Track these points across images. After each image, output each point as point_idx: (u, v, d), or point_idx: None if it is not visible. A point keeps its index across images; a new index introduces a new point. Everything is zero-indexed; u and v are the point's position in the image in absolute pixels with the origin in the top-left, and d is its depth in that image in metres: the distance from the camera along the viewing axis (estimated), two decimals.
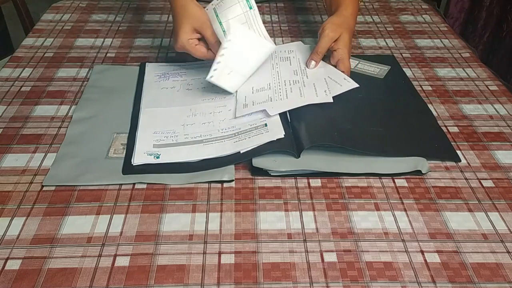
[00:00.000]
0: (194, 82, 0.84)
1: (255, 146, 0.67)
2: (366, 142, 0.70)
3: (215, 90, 0.81)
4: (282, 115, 0.73)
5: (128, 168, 0.66)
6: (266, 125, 0.71)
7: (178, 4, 0.79)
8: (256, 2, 1.19)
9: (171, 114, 0.76)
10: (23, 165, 0.67)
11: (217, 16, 0.80)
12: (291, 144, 0.68)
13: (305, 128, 0.71)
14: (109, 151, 0.69)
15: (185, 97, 0.80)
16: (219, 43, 0.77)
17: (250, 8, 0.78)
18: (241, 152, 0.67)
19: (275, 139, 0.68)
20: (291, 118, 0.73)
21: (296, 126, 0.71)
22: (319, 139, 0.68)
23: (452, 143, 0.73)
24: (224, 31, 0.77)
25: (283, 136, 0.68)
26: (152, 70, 0.88)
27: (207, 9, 0.81)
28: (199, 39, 0.79)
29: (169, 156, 0.68)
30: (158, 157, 0.67)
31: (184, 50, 0.78)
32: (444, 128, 0.76)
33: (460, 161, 0.70)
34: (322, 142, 0.68)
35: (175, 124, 0.74)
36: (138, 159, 0.67)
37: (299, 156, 0.67)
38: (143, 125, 0.74)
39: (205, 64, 0.90)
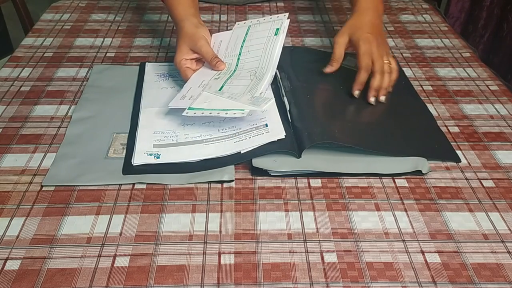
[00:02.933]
0: None
1: (256, 147, 0.67)
2: (367, 140, 0.70)
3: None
4: (283, 115, 0.73)
5: (128, 168, 0.66)
6: (266, 125, 0.70)
7: (177, 25, 0.81)
8: (256, 2, 1.19)
9: (171, 114, 0.76)
10: (22, 165, 0.67)
11: (246, 34, 0.83)
12: (292, 144, 0.68)
13: (306, 127, 0.70)
14: (108, 151, 0.69)
15: None
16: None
17: (276, 34, 0.79)
18: (242, 152, 0.67)
19: (276, 140, 0.68)
20: (292, 118, 0.73)
21: (297, 126, 0.71)
22: (319, 138, 0.68)
23: (452, 143, 0.73)
24: (239, 54, 0.80)
25: (284, 137, 0.68)
26: (151, 70, 0.88)
27: (244, 23, 0.84)
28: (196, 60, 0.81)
29: (169, 156, 0.67)
30: (158, 157, 0.67)
31: (177, 69, 0.80)
32: (444, 128, 0.76)
33: (460, 161, 0.69)
34: (322, 141, 0.68)
35: (175, 124, 0.73)
36: (138, 159, 0.67)
37: (301, 156, 0.67)
38: (143, 125, 0.73)
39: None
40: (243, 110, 0.68)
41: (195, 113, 0.70)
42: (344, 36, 0.81)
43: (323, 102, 0.75)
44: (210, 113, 0.70)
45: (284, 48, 0.91)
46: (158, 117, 0.75)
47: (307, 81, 0.82)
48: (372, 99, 0.77)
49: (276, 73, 0.83)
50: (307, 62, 0.89)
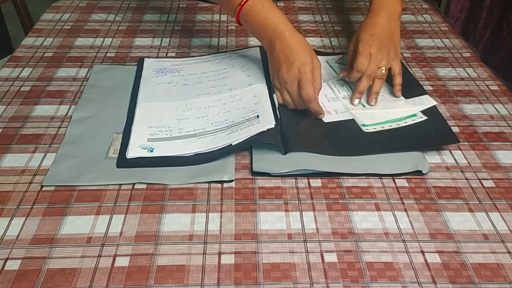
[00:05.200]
0: (191, 77, 0.85)
1: (246, 137, 0.67)
2: (359, 146, 0.70)
3: (211, 85, 0.82)
4: (275, 107, 0.74)
5: (122, 161, 0.66)
6: (258, 116, 0.71)
7: (286, 32, 0.75)
8: None
9: (167, 108, 0.76)
10: (22, 165, 0.67)
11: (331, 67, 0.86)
12: (280, 138, 0.69)
13: (294, 130, 0.71)
14: (108, 151, 0.69)
15: (181, 92, 0.81)
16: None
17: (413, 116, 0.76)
18: (233, 144, 0.67)
19: (265, 129, 0.68)
20: (281, 116, 0.73)
21: (287, 125, 0.72)
22: (307, 145, 0.69)
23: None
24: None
25: (273, 126, 0.69)
26: (150, 65, 0.88)
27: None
28: None
29: (162, 150, 0.68)
30: (152, 151, 0.68)
31: (307, 76, 0.71)
32: None
33: (458, 141, 0.70)
34: (311, 150, 0.68)
35: (170, 118, 0.74)
36: (132, 153, 0.67)
37: (286, 153, 0.67)
38: (138, 119, 0.74)
39: (203, 59, 0.90)
40: (415, 115, 0.75)
41: (374, 128, 0.73)
42: (353, 42, 0.81)
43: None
44: (390, 126, 0.73)
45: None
46: (154, 112, 0.76)
47: None
48: (355, 102, 0.77)
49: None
50: None
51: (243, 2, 0.77)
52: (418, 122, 0.74)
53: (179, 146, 0.69)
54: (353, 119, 0.75)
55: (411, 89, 0.81)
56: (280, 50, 0.74)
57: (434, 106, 0.77)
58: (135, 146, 0.69)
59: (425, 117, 0.74)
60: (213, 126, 0.72)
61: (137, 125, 0.73)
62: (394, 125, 0.73)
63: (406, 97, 0.79)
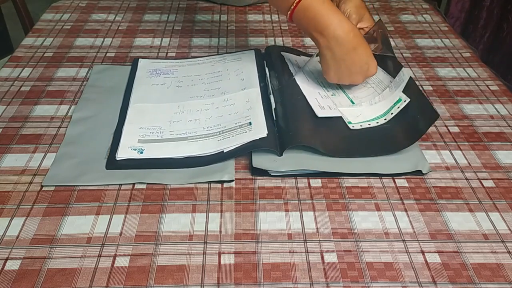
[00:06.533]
0: (184, 79, 0.84)
1: (238, 145, 0.67)
2: (352, 147, 0.70)
3: (204, 87, 0.81)
4: (268, 113, 0.73)
5: (112, 162, 0.66)
6: (250, 123, 0.71)
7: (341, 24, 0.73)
8: (256, 2, 1.19)
9: (159, 110, 0.76)
10: (22, 165, 0.67)
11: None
12: (274, 143, 0.68)
13: (290, 128, 0.71)
14: (108, 151, 0.69)
15: (174, 94, 0.81)
16: None
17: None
18: (224, 151, 0.67)
19: (257, 138, 0.68)
20: (277, 117, 0.73)
21: (281, 125, 0.71)
22: (303, 140, 0.68)
23: (452, 143, 0.73)
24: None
25: (265, 135, 0.68)
26: (144, 66, 0.88)
27: None
28: None
29: (152, 152, 0.68)
30: (141, 152, 0.68)
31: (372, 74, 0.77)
32: (444, 128, 0.76)
33: (438, 116, 0.70)
34: (305, 144, 0.68)
35: (162, 120, 0.74)
36: (121, 154, 0.67)
37: (282, 155, 0.67)
38: (130, 120, 0.74)
39: (198, 61, 0.90)
40: (400, 99, 0.73)
41: (361, 126, 0.72)
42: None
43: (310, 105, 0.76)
44: (377, 122, 0.73)
45: (274, 47, 0.91)
46: (146, 113, 0.75)
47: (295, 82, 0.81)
48: None
49: (265, 71, 0.83)
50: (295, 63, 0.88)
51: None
52: (403, 109, 0.73)
53: (169, 148, 0.68)
54: (341, 117, 0.74)
55: (388, 62, 0.83)
56: (342, 61, 0.73)
57: (410, 78, 0.75)
58: (125, 147, 0.68)
59: (408, 99, 0.73)
60: (205, 130, 0.71)
61: (128, 126, 0.72)
62: (382, 121, 0.73)
63: (386, 70, 0.81)
